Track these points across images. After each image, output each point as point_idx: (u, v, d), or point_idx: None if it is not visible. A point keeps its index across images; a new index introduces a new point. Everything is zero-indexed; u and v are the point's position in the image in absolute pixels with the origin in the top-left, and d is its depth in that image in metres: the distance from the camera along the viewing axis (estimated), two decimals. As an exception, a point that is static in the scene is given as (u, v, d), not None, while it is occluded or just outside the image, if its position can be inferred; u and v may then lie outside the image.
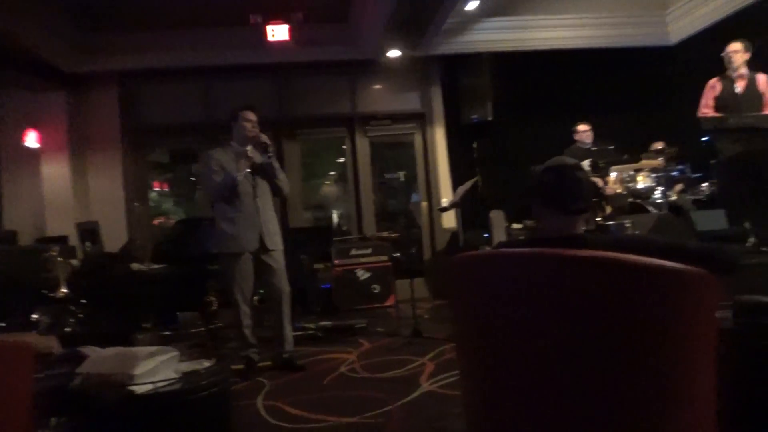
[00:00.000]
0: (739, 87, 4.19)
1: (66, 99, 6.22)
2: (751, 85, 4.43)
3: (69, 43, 5.94)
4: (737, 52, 4.34)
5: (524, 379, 1.43)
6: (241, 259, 3.57)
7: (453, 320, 1.81)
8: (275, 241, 3.68)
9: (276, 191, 3.75)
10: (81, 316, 3.81)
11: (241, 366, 3.67)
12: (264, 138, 3.60)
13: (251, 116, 3.66)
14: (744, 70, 4.40)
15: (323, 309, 5.77)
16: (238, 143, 3.68)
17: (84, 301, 3.95)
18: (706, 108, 4.59)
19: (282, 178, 3.72)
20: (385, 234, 6.19)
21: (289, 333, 3.74)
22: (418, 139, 7.10)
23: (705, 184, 5.30)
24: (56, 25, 5.67)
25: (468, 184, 4.75)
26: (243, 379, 3.56)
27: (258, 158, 3.65)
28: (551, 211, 1.59)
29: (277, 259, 3.69)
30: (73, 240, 5.26)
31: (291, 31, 6.09)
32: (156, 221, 7.36)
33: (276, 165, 3.70)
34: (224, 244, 3.61)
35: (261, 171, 3.65)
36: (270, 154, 3.63)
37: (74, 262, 4.69)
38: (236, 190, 3.52)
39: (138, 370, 2.02)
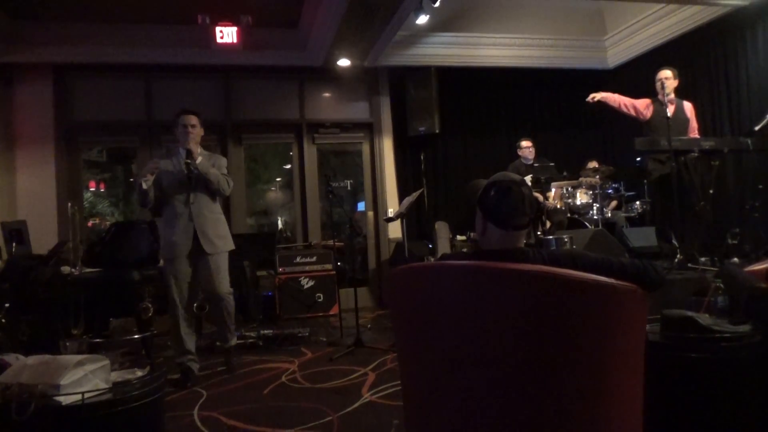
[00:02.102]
0: (669, 111, 4.44)
1: (-7, 90, 5.86)
2: (679, 110, 4.73)
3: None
4: (668, 78, 4.62)
5: (464, 389, 1.45)
6: (177, 262, 3.56)
7: (395, 330, 1.82)
8: (215, 245, 3.63)
9: (214, 193, 3.68)
10: (3, 321, 3.59)
11: (177, 375, 3.56)
12: (187, 144, 3.57)
13: (187, 120, 3.61)
14: (673, 96, 4.69)
15: (265, 317, 5.68)
16: (181, 147, 3.67)
17: (7, 305, 3.72)
18: (625, 106, 4.83)
19: (214, 179, 3.61)
20: (330, 242, 6.15)
21: (231, 328, 3.79)
22: (365, 149, 7.12)
23: (637, 203, 5.58)
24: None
25: (414, 195, 4.81)
26: (179, 388, 3.45)
27: (202, 164, 3.61)
28: (495, 225, 1.63)
29: (216, 261, 3.64)
30: (-3, 240, 4.95)
31: (240, 33, 6.00)
32: (90, 223, 7.05)
33: (206, 169, 3.58)
34: (161, 249, 3.69)
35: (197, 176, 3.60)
36: (188, 161, 3.55)
37: (-3, 263, 4.42)
38: (148, 196, 3.47)
39: (65, 380, 1.91)
